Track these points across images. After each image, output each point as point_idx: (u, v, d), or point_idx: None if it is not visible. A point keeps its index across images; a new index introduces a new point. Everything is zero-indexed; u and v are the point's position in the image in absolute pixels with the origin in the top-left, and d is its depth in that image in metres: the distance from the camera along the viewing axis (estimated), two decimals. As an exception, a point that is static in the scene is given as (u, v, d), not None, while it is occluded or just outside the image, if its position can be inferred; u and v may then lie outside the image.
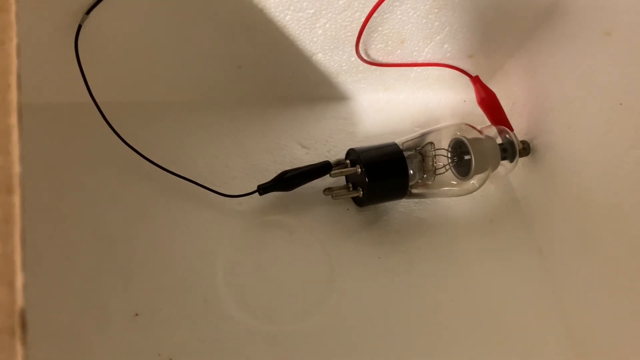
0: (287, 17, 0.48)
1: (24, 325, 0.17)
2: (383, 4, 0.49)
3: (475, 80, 0.59)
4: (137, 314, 0.44)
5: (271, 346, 0.46)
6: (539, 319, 0.54)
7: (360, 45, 0.53)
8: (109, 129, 0.47)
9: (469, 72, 0.60)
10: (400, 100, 0.62)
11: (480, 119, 0.61)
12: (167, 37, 0.48)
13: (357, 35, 0.50)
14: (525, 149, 0.57)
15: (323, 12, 0.48)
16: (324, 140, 0.57)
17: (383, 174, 0.51)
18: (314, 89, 0.57)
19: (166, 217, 0.49)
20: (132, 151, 0.47)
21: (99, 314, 0.43)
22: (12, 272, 0.17)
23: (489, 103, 0.58)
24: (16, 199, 0.18)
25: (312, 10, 0.48)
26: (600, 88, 0.50)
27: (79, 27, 0.43)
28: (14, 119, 0.19)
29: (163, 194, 0.49)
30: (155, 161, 0.48)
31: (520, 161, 0.58)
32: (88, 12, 0.42)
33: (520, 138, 0.58)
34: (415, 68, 0.58)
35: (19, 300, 0.17)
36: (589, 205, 0.52)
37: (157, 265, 0.47)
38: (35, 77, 0.46)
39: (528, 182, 0.59)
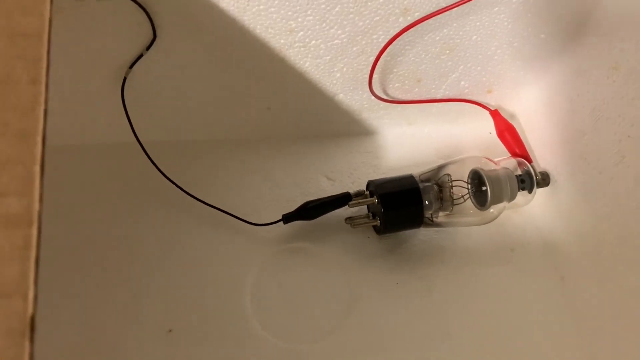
0: (307, 64, 0.53)
1: (32, 328, 0.22)
2: (395, 48, 0.53)
3: (495, 114, 0.62)
4: (170, 330, 0.50)
5: (290, 363, 0.50)
6: (559, 348, 0.55)
7: (378, 85, 0.57)
8: (152, 165, 0.53)
9: (489, 105, 0.62)
10: (425, 133, 0.65)
11: (504, 149, 0.63)
12: (202, 84, 0.54)
13: (368, 78, 0.54)
14: (545, 179, 0.59)
15: (339, 57, 0.53)
16: (349, 173, 0.61)
17: (398, 204, 0.55)
18: (340, 126, 0.62)
19: (201, 243, 0.54)
20: (172, 185, 0.54)
21: (138, 328, 0.49)
22: (26, 287, 0.22)
23: (508, 135, 0.61)
24: (34, 231, 0.24)
25: (329, 57, 0.53)
26: (610, 120, 0.51)
27: (124, 79, 0.50)
28: (37, 167, 0.25)
29: (199, 222, 0.55)
30: (193, 194, 0.54)
31: (542, 190, 0.60)
32: (131, 66, 0.49)
33: (542, 169, 0.60)
34: (436, 103, 0.62)
35: (30, 309, 0.22)
36: (604, 235, 0.53)
37: (191, 286, 0.52)
38: (88, 121, 0.53)
39: (549, 211, 0.60)
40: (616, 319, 0.52)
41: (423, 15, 0.50)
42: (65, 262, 0.51)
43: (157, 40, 0.48)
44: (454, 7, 0.49)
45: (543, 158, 0.61)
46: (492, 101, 0.62)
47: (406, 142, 0.65)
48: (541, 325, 0.56)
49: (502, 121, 0.61)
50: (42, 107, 0.27)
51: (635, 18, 0.47)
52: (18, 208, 0.24)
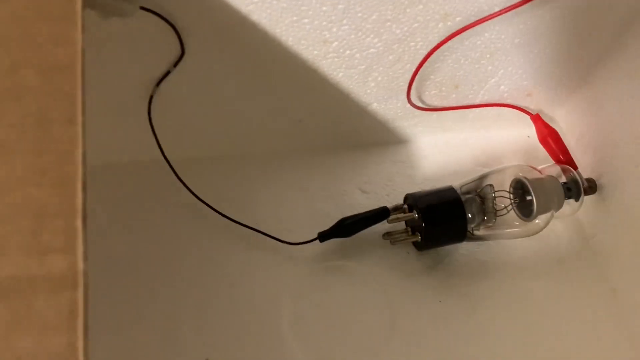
0: (341, 74, 0.50)
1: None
2: (434, 55, 0.50)
3: (536, 119, 0.59)
4: (207, 359, 0.48)
5: (333, 390, 0.48)
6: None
7: (414, 93, 0.54)
8: (180, 183, 0.51)
9: (529, 109, 0.59)
10: (460, 140, 0.62)
11: (546, 155, 0.60)
12: (231, 99, 0.51)
13: (407, 86, 0.51)
14: (592, 187, 0.56)
15: (374, 66, 0.50)
16: (383, 185, 0.59)
17: (440, 219, 0.52)
18: (373, 135, 0.59)
19: (235, 265, 0.52)
20: (202, 204, 0.51)
21: (175, 357, 0.47)
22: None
23: (551, 141, 0.58)
24: (79, 294, 0.21)
25: (364, 67, 0.50)
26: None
27: (151, 97, 0.48)
28: (79, 222, 0.22)
29: (232, 242, 0.53)
30: (223, 212, 0.52)
31: (589, 199, 0.57)
32: (158, 84, 0.47)
33: (586, 175, 0.57)
34: (474, 109, 0.59)
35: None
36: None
37: (226, 312, 0.50)
38: (114, 139, 0.51)
39: (597, 220, 0.57)
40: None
41: (464, 18, 0.47)
42: (98, 288, 0.49)
43: (185, 56, 0.45)
44: (498, 15, 0.46)
45: (588, 164, 0.58)
46: (532, 105, 0.59)
47: (441, 150, 0.62)
48: (594, 341, 0.53)
49: (545, 126, 0.58)
50: (79, 150, 0.25)
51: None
52: (62, 268, 0.22)
